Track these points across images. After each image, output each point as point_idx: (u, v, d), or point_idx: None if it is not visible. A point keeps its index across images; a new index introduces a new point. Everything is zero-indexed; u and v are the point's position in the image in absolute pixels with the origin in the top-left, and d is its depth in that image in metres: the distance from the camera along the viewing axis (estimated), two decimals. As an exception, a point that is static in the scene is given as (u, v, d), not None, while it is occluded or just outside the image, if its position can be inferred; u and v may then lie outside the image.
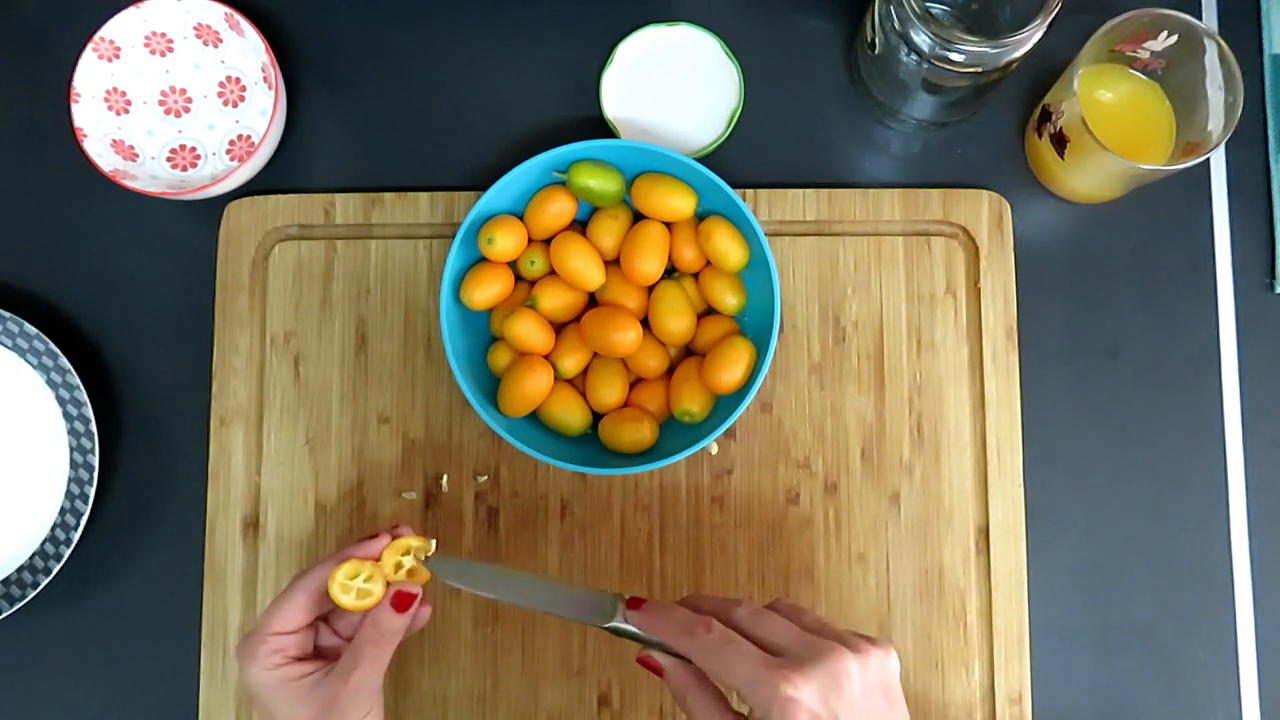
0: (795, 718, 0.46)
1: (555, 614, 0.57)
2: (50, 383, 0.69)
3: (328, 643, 0.60)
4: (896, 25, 0.61)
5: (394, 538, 0.58)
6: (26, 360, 0.69)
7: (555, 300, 0.66)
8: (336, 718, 0.55)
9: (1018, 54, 0.60)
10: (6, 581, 0.67)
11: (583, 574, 0.68)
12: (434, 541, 0.58)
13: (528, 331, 0.65)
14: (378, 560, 0.57)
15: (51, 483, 0.69)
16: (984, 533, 0.68)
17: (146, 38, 0.70)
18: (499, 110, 0.73)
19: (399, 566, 0.57)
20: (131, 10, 0.69)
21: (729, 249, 0.65)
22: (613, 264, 0.67)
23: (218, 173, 0.72)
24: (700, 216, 0.67)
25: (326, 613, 0.60)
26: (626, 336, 0.64)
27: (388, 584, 0.57)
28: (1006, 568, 0.68)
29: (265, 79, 0.72)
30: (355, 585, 0.56)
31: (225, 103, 0.73)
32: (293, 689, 0.56)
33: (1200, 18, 0.72)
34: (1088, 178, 0.67)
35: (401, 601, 0.57)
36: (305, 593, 0.57)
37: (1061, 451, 0.70)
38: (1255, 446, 0.70)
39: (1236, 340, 0.71)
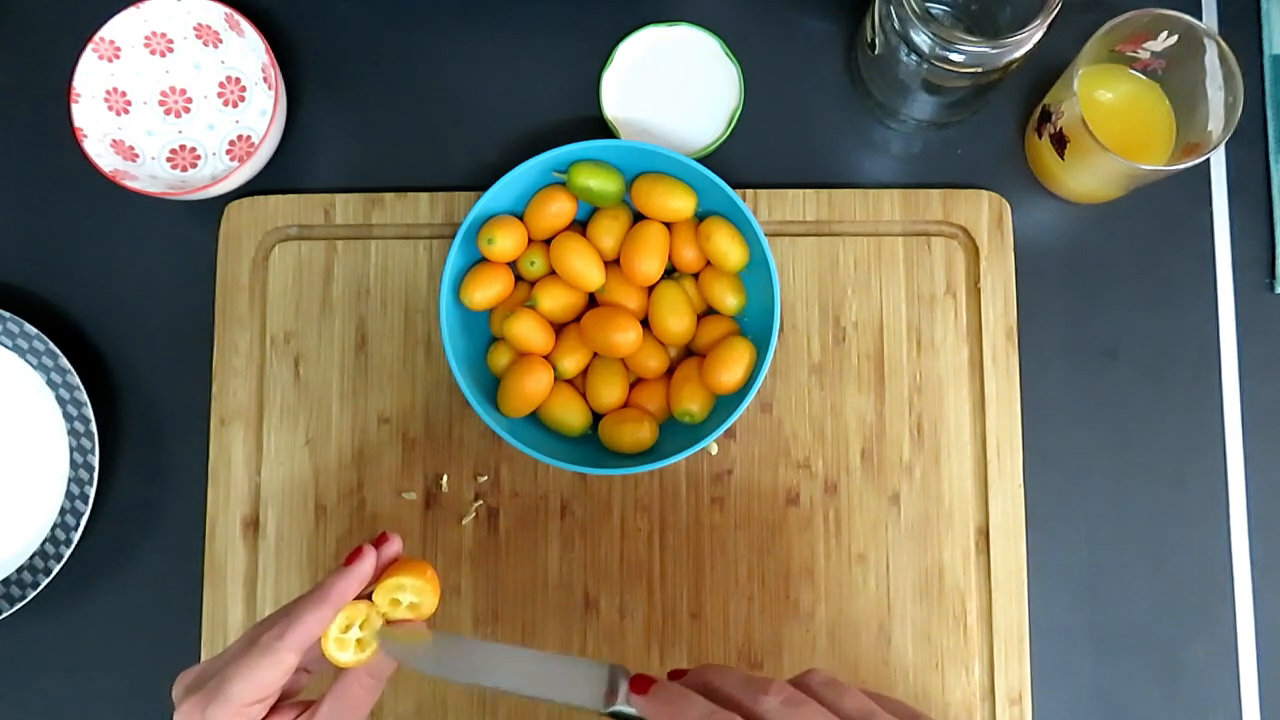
0: None
1: (548, 699, 0.47)
2: (50, 383, 0.69)
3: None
4: (896, 25, 0.61)
5: (381, 566, 0.50)
6: (26, 360, 0.69)
7: (555, 300, 0.66)
8: None
9: (1018, 54, 0.60)
10: (6, 581, 0.67)
11: (583, 574, 0.68)
12: (431, 572, 0.51)
13: (528, 331, 0.65)
14: (369, 598, 0.49)
15: (51, 483, 0.69)
16: (984, 533, 0.68)
17: (146, 38, 0.70)
18: (499, 110, 0.73)
19: (396, 604, 0.49)
20: (131, 10, 0.69)
21: (729, 249, 0.65)
22: (613, 264, 0.67)
23: (218, 173, 0.72)
24: (700, 216, 0.67)
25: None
26: (626, 336, 0.65)
27: (388, 621, 0.49)
28: (1006, 568, 0.68)
29: (265, 79, 0.72)
30: (352, 638, 0.48)
31: (225, 103, 0.73)
32: None
33: (1200, 18, 0.72)
34: (1088, 178, 0.67)
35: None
36: (294, 652, 0.47)
37: (1061, 451, 0.70)
38: (1255, 446, 0.70)
39: (1236, 340, 0.71)
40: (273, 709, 0.48)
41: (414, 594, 0.49)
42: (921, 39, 0.60)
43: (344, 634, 0.47)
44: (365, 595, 0.49)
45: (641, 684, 0.46)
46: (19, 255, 0.73)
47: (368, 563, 0.49)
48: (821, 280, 0.70)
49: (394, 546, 0.51)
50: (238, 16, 0.69)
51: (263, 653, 0.46)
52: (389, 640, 0.47)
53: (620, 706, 0.46)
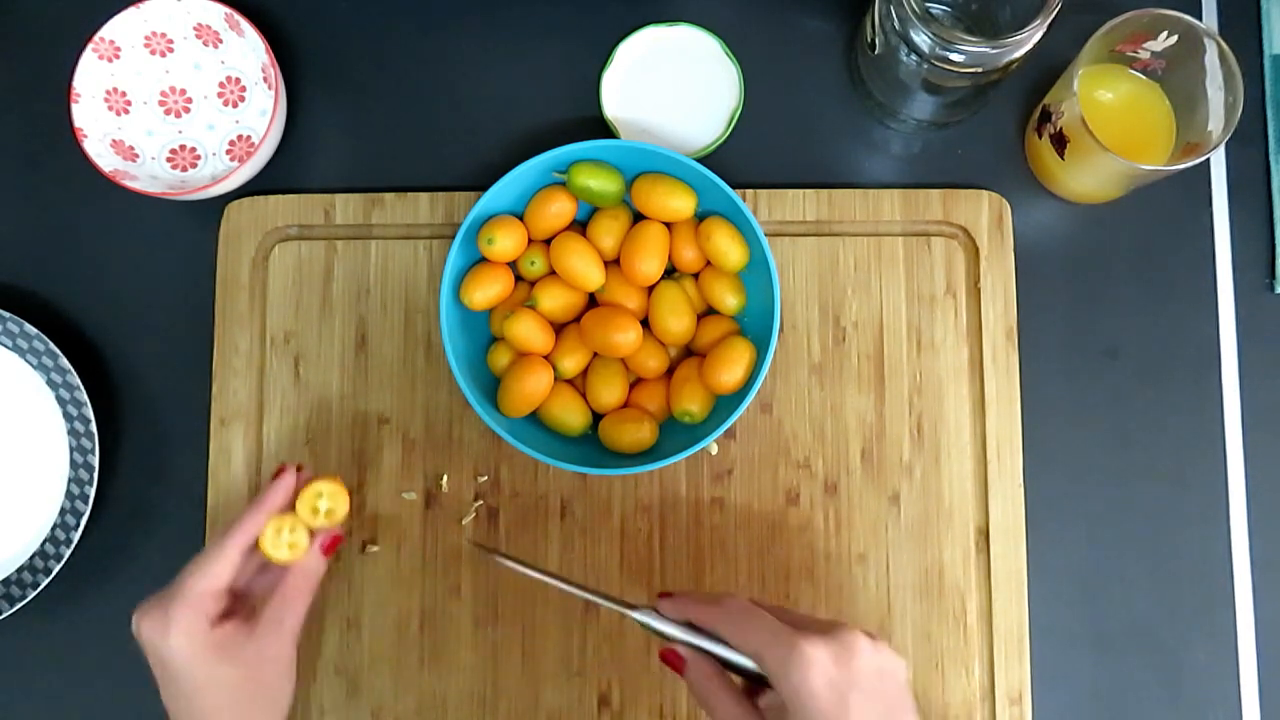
0: (810, 676, 0.48)
1: (594, 600, 0.58)
2: (50, 383, 0.69)
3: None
4: (896, 25, 0.61)
5: (300, 479, 0.60)
6: (26, 360, 0.69)
7: (555, 300, 0.66)
8: (271, 671, 0.55)
9: (1018, 54, 0.60)
10: (6, 581, 0.67)
11: (583, 574, 0.68)
12: (340, 481, 0.60)
13: (528, 332, 0.65)
14: (293, 510, 0.59)
15: (51, 483, 0.69)
16: (984, 533, 0.68)
17: (146, 38, 0.70)
18: (499, 110, 0.73)
19: (316, 511, 0.59)
20: (131, 10, 0.69)
21: (729, 249, 0.65)
22: (613, 264, 0.67)
23: (218, 173, 0.72)
24: (700, 216, 0.67)
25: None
26: (626, 337, 0.65)
27: (310, 531, 0.59)
28: (1006, 568, 0.68)
29: (265, 79, 0.72)
30: (284, 540, 0.58)
31: (225, 103, 0.73)
32: (217, 652, 0.54)
33: (1200, 18, 0.72)
34: (1088, 178, 0.67)
35: (331, 545, 0.60)
36: (237, 550, 0.56)
37: (1061, 451, 0.70)
38: (1255, 446, 0.70)
39: (1236, 340, 0.71)
40: (228, 616, 0.56)
41: (329, 500, 0.59)
42: (921, 39, 0.60)
43: (277, 536, 0.58)
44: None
45: (663, 595, 0.56)
46: (19, 255, 0.73)
47: (289, 477, 0.60)
48: (821, 280, 0.70)
49: (305, 473, 0.62)
50: (238, 16, 0.69)
51: (211, 551, 0.56)
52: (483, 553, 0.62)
53: (646, 615, 0.56)
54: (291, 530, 0.58)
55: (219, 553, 0.56)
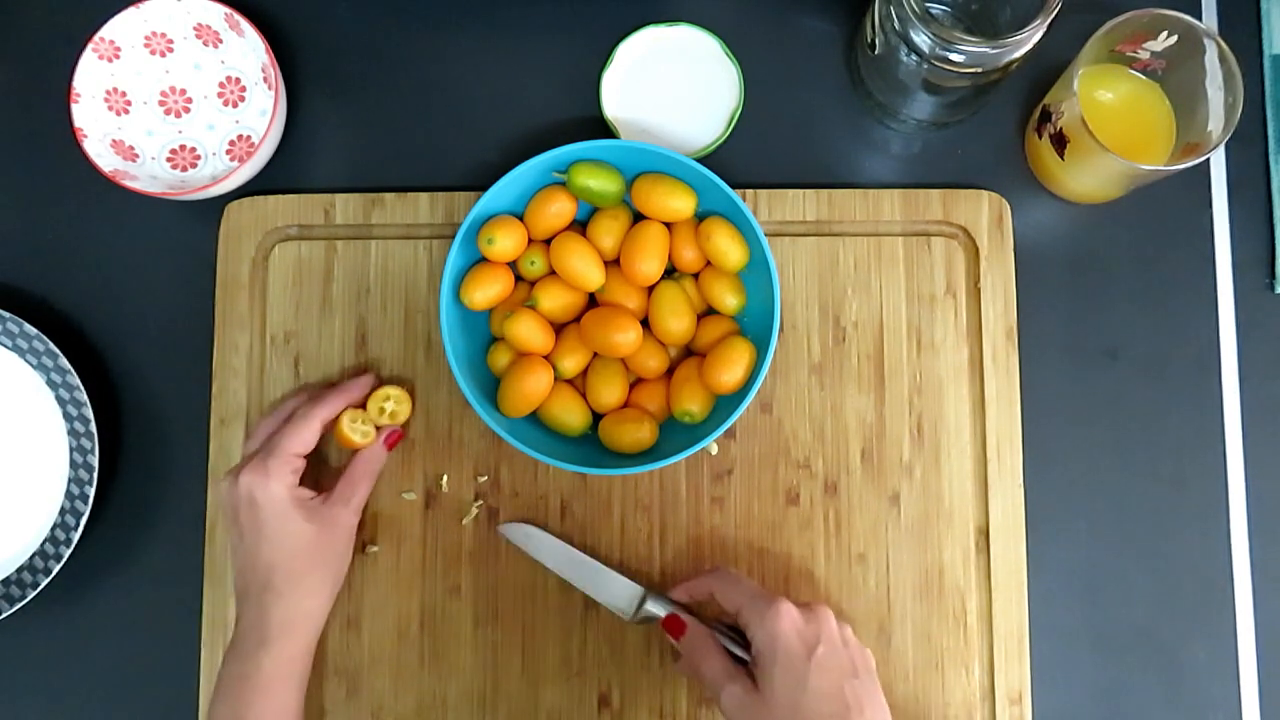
0: (782, 625, 0.58)
1: (589, 594, 0.67)
2: (50, 383, 0.69)
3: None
4: (896, 25, 0.61)
5: (375, 384, 0.68)
6: (26, 360, 0.69)
7: (555, 300, 0.66)
8: (340, 537, 0.64)
9: (1018, 54, 0.60)
10: (6, 581, 0.67)
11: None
12: (406, 390, 0.68)
13: (528, 332, 0.65)
14: (364, 407, 0.67)
15: (51, 483, 0.69)
16: (984, 533, 0.68)
17: (146, 38, 0.70)
18: (499, 110, 0.73)
19: (382, 411, 0.67)
20: (131, 10, 0.69)
21: (729, 249, 0.65)
22: (613, 264, 0.67)
23: (218, 173, 0.72)
24: (700, 217, 0.67)
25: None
26: (626, 337, 0.64)
27: (376, 427, 0.67)
28: (1006, 568, 0.68)
29: (265, 79, 0.72)
30: (359, 428, 0.66)
31: (225, 103, 0.73)
32: (303, 509, 0.63)
33: (1200, 18, 0.72)
34: (1088, 178, 0.67)
35: (392, 439, 0.68)
36: (321, 422, 0.65)
37: (1061, 451, 0.70)
38: (1255, 446, 0.70)
39: (1236, 340, 0.71)
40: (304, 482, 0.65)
41: (395, 403, 0.68)
42: (921, 39, 0.60)
43: (353, 423, 0.66)
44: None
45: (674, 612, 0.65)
46: (19, 255, 0.73)
47: (369, 377, 0.68)
48: (821, 280, 0.70)
49: (374, 380, 0.69)
50: (238, 16, 0.69)
51: (302, 419, 0.64)
52: (505, 526, 0.68)
53: (647, 610, 0.65)
54: (363, 422, 0.67)
55: (306, 423, 0.64)
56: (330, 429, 0.66)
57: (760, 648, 0.58)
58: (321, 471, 0.69)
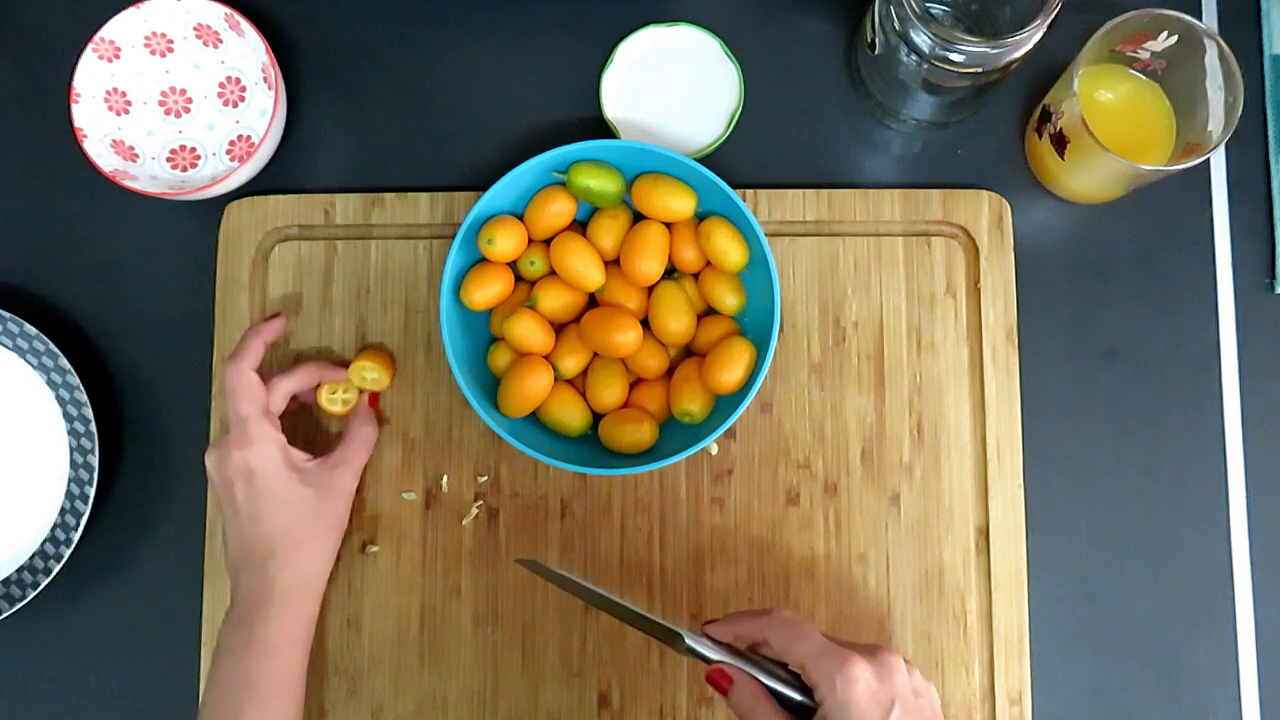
0: (856, 689, 0.52)
1: (638, 625, 0.58)
2: (50, 383, 0.69)
3: None
4: (896, 25, 0.61)
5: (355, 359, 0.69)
6: (26, 360, 0.69)
7: (555, 300, 0.66)
8: (339, 502, 0.65)
9: (1018, 54, 0.60)
10: (6, 581, 0.67)
11: (583, 574, 0.68)
12: (386, 359, 0.69)
13: (528, 332, 0.65)
14: (345, 380, 0.69)
15: (51, 483, 0.69)
16: (984, 533, 0.68)
17: (146, 38, 0.70)
18: (499, 110, 0.73)
19: (364, 380, 0.68)
20: (131, 10, 0.69)
21: (729, 249, 0.65)
22: (613, 264, 0.67)
23: (218, 173, 0.72)
24: (700, 217, 0.67)
25: None
26: (626, 337, 0.64)
27: (360, 391, 0.69)
28: (1006, 568, 0.68)
29: (265, 79, 0.72)
30: (338, 397, 0.68)
31: (225, 103, 0.73)
32: (299, 472, 0.63)
33: (1200, 18, 0.72)
34: (1088, 178, 0.67)
35: (374, 399, 0.69)
36: (287, 392, 0.66)
37: (1061, 451, 0.70)
38: (1255, 446, 0.70)
39: (1236, 340, 0.71)
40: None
41: (373, 371, 0.68)
42: (921, 39, 0.60)
43: (331, 395, 0.68)
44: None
45: (708, 623, 0.58)
46: (19, 255, 0.73)
47: (336, 369, 0.69)
48: (821, 280, 0.70)
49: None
50: (238, 16, 0.69)
51: (296, 371, 0.67)
52: (525, 560, 0.63)
53: (690, 641, 0.56)
54: (345, 391, 0.68)
55: (275, 387, 0.65)
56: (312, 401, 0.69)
57: (830, 713, 0.52)
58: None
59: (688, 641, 0.56)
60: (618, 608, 0.58)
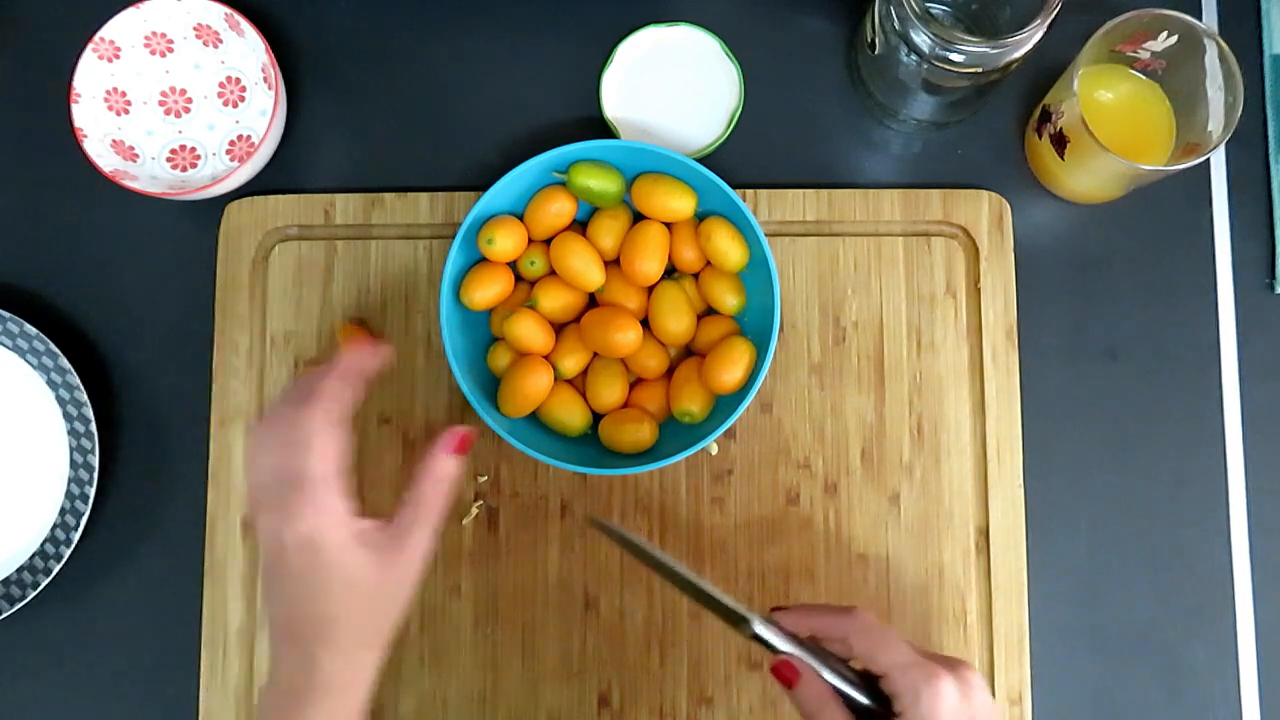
0: (941, 705, 0.50)
1: (701, 603, 0.55)
2: (50, 383, 0.69)
3: None
4: (896, 25, 0.61)
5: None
6: (26, 360, 0.69)
7: (555, 300, 0.66)
8: (410, 569, 0.53)
9: (1018, 54, 0.60)
10: (6, 581, 0.67)
11: (583, 574, 0.68)
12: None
13: (528, 332, 0.65)
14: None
15: (51, 483, 0.69)
16: (984, 533, 0.68)
17: (146, 38, 0.70)
18: (499, 110, 0.73)
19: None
20: (131, 10, 0.69)
21: (729, 249, 0.65)
22: (613, 264, 0.67)
23: (218, 173, 0.72)
24: (700, 217, 0.67)
25: None
26: (626, 337, 0.65)
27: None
28: (1006, 568, 0.68)
29: (265, 79, 0.72)
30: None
31: (225, 103, 0.73)
32: (366, 546, 0.52)
33: (1200, 18, 0.72)
34: (1088, 178, 0.67)
35: (462, 444, 0.55)
36: (340, 428, 0.53)
37: (1061, 452, 0.70)
38: (1255, 446, 0.70)
39: (1236, 340, 0.71)
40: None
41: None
42: (921, 39, 0.60)
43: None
44: None
45: (777, 609, 0.56)
46: (19, 255, 0.73)
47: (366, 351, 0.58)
48: (821, 280, 0.70)
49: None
50: (238, 16, 0.69)
51: (311, 434, 0.53)
52: (600, 520, 0.57)
53: (758, 628, 0.53)
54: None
55: (327, 433, 0.52)
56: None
57: None
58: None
59: (756, 628, 0.53)
60: (686, 583, 0.54)
